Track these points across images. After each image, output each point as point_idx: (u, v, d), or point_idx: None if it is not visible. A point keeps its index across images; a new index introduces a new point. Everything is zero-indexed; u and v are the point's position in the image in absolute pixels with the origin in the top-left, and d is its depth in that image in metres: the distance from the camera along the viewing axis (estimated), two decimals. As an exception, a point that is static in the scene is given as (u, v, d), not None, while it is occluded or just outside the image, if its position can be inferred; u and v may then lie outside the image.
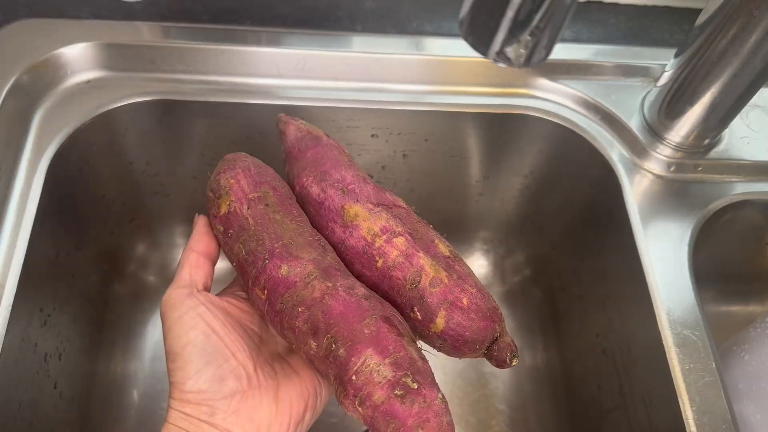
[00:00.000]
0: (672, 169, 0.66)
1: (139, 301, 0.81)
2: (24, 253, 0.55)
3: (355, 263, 0.46)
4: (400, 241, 0.45)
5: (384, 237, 0.45)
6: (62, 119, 0.63)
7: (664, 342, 0.56)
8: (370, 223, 0.46)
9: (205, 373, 0.39)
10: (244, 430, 0.39)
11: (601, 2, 0.69)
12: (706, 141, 0.66)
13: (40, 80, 0.64)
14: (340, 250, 0.47)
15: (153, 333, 0.80)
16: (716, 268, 0.77)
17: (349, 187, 0.48)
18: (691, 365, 0.55)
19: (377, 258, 0.45)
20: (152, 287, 0.82)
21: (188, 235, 0.83)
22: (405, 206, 0.49)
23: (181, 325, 0.41)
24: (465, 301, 0.42)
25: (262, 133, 0.69)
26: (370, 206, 0.47)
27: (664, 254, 0.61)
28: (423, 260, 0.44)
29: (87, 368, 0.72)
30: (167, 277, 0.83)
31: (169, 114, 0.67)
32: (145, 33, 0.66)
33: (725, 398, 0.53)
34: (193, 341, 0.40)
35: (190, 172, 0.74)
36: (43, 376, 0.61)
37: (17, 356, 0.55)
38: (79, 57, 0.65)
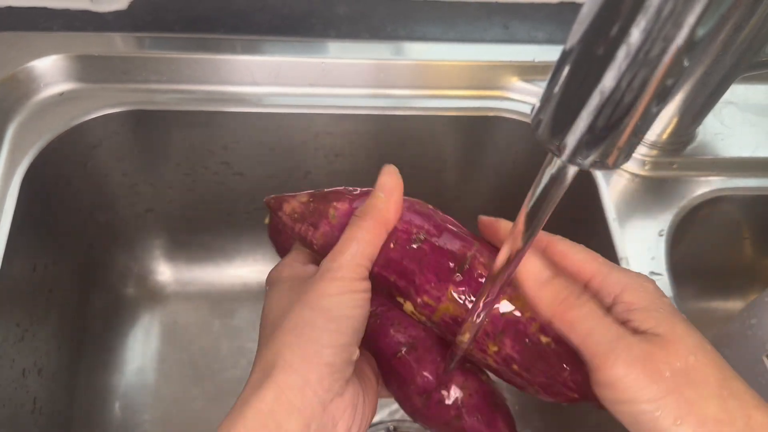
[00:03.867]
0: (647, 167, 0.66)
1: (119, 313, 0.81)
2: (-1, 268, 0.54)
3: None
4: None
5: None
6: (36, 132, 0.62)
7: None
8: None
9: (345, 352, 0.37)
10: (344, 416, 0.37)
11: (574, 3, 0.70)
12: (681, 138, 0.67)
13: (12, 93, 0.63)
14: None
15: (133, 345, 0.79)
16: (695, 265, 0.77)
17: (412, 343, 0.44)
18: (671, 361, 0.55)
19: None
20: (131, 299, 0.82)
21: (167, 247, 0.83)
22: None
23: (353, 299, 0.37)
24: None
25: (238, 141, 0.69)
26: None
27: (641, 252, 0.61)
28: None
29: (67, 382, 0.71)
30: (146, 289, 0.83)
31: (144, 124, 0.66)
32: (118, 44, 0.66)
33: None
34: (355, 318, 0.37)
35: (167, 182, 0.74)
36: (22, 392, 0.60)
37: (-6, 372, 0.55)
38: (51, 69, 0.65)
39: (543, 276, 0.37)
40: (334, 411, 0.36)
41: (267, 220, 0.49)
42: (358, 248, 0.38)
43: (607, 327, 0.34)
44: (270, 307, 0.40)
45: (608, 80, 0.23)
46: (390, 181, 0.40)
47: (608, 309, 0.37)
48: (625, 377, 0.33)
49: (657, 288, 0.37)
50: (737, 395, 0.33)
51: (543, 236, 0.41)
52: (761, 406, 0.33)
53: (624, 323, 0.35)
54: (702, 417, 0.32)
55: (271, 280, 0.42)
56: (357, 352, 0.38)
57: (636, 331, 0.35)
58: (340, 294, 0.37)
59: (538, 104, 0.26)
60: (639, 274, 0.38)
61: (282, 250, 0.47)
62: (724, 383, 0.33)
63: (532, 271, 0.37)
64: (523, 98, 0.70)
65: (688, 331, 0.34)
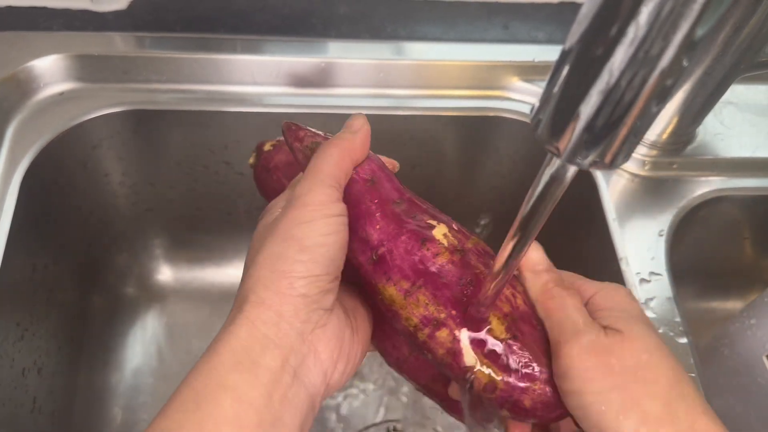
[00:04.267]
0: (647, 167, 0.66)
1: (119, 313, 0.81)
2: (-1, 268, 0.54)
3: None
4: (443, 334, 0.37)
5: (427, 330, 0.37)
6: (36, 132, 0.62)
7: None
8: (408, 313, 0.37)
9: (321, 281, 0.36)
10: (328, 347, 0.36)
11: (574, 3, 0.70)
12: (681, 138, 0.67)
13: (12, 93, 0.63)
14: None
15: (134, 345, 0.79)
16: (694, 265, 0.77)
17: (379, 251, 0.38)
18: (671, 361, 0.55)
19: (425, 352, 0.38)
20: (131, 299, 0.82)
21: (167, 246, 0.83)
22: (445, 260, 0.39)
23: (326, 224, 0.36)
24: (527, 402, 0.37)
25: (239, 141, 0.69)
26: (406, 286, 0.37)
27: (641, 252, 0.61)
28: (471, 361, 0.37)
29: (67, 382, 0.71)
30: (146, 289, 0.83)
31: (144, 124, 0.66)
32: (118, 43, 0.66)
33: (704, 394, 0.54)
34: (329, 245, 0.36)
35: (167, 181, 0.74)
36: (21, 391, 0.60)
37: (-6, 372, 0.55)
38: (51, 69, 0.65)
39: (539, 267, 0.39)
40: (316, 342, 0.36)
41: (252, 160, 0.50)
42: (325, 171, 0.37)
43: (574, 319, 0.36)
44: (252, 244, 0.40)
45: (607, 80, 0.23)
46: (357, 121, 0.40)
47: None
48: (576, 367, 0.34)
49: (629, 295, 0.39)
50: (686, 398, 0.34)
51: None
52: (708, 413, 0.34)
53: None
54: (645, 414, 0.33)
55: (261, 217, 0.42)
56: (337, 281, 0.37)
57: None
58: (312, 221, 0.36)
59: (537, 104, 0.26)
60: (614, 285, 0.40)
61: (269, 190, 0.48)
62: (675, 385, 0.34)
63: (531, 260, 0.39)
64: (523, 98, 0.70)
65: (647, 332, 0.36)
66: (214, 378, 0.33)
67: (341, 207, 0.37)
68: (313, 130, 0.43)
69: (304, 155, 0.41)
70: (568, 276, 0.41)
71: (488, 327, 0.37)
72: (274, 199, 0.43)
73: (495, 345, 0.37)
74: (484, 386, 0.37)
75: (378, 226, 0.38)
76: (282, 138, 0.47)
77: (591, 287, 0.40)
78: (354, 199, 0.39)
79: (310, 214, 0.36)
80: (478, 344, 0.37)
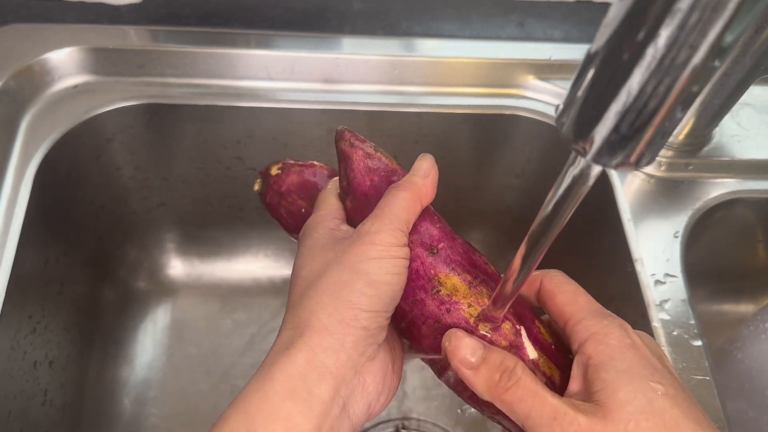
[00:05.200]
0: (663, 168, 0.66)
1: (129, 306, 0.81)
2: (12, 260, 0.54)
3: None
4: (506, 327, 0.38)
5: (489, 324, 0.37)
6: (50, 125, 0.62)
7: (656, 341, 0.56)
8: (472, 302, 0.38)
9: (380, 317, 0.36)
10: (375, 379, 0.37)
11: (591, 2, 0.69)
12: (697, 140, 0.66)
13: (27, 85, 0.63)
14: (430, 325, 0.39)
15: (144, 339, 0.79)
16: (708, 267, 0.77)
17: (439, 246, 0.40)
18: (684, 364, 0.55)
19: None
20: (142, 293, 0.82)
21: (178, 241, 0.83)
22: (497, 272, 0.41)
23: (393, 264, 0.37)
24: None
25: (251, 136, 0.69)
26: (469, 278, 0.39)
27: (656, 253, 0.61)
28: (534, 354, 0.38)
29: (77, 375, 0.71)
30: (157, 283, 0.83)
31: (158, 118, 0.66)
32: (132, 37, 0.66)
33: (718, 397, 0.53)
34: (393, 284, 0.36)
35: (180, 176, 0.74)
36: (33, 384, 0.61)
37: (6, 365, 0.55)
38: (66, 62, 0.64)
39: (474, 359, 0.36)
40: (365, 374, 0.36)
41: (258, 187, 0.49)
42: (396, 214, 0.38)
43: (542, 406, 0.33)
44: (303, 263, 0.39)
45: (635, 84, 0.23)
46: (426, 164, 0.41)
47: (574, 354, 0.36)
48: None
49: (623, 336, 0.36)
50: None
51: (537, 273, 0.40)
52: None
53: (582, 378, 0.35)
54: None
55: (305, 234, 0.41)
56: (390, 319, 0.37)
57: (587, 392, 0.34)
58: (380, 258, 0.36)
59: (563, 103, 0.26)
60: (611, 320, 0.37)
61: (285, 214, 0.48)
62: None
63: (462, 355, 0.36)
64: (539, 97, 0.69)
65: (634, 394, 0.33)
66: (267, 406, 0.33)
67: (406, 251, 0.38)
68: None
69: (366, 155, 0.42)
70: (564, 299, 0.39)
71: (538, 325, 0.39)
72: (312, 218, 0.42)
73: (544, 342, 0.39)
74: (546, 380, 0.37)
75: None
76: (287, 161, 0.49)
77: (582, 330, 0.36)
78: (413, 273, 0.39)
79: (378, 252, 0.36)
80: (535, 340, 0.38)
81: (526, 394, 0.34)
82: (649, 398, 0.33)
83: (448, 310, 0.38)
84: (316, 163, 0.49)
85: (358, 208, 0.41)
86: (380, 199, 0.40)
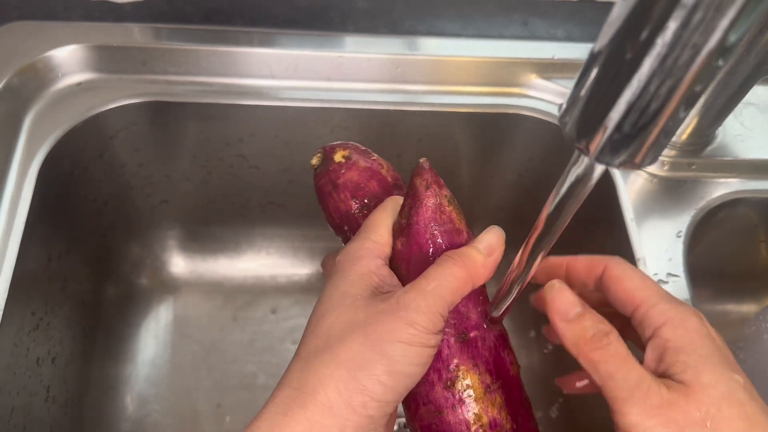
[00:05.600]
0: (666, 167, 0.66)
1: (132, 303, 0.81)
2: (15, 257, 0.54)
3: None
4: None
5: None
6: (53, 122, 0.62)
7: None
8: (481, 408, 0.36)
9: (389, 407, 0.34)
10: None
11: (594, 1, 0.69)
12: (700, 139, 0.66)
13: (30, 83, 0.63)
14: (430, 410, 0.37)
15: (146, 336, 0.79)
16: (711, 267, 0.77)
17: (471, 334, 0.37)
18: (687, 364, 0.55)
19: None
20: (145, 290, 0.82)
21: (181, 238, 0.83)
22: (518, 375, 0.40)
23: (420, 354, 0.34)
24: None
25: (254, 135, 0.69)
26: (488, 381, 0.37)
27: (659, 253, 0.61)
28: None
29: (80, 372, 0.71)
30: (160, 280, 0.83)
31: (161, 116, 0.66)
32: (136, 34, 0.66)
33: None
34: (413, 376, 0.34)
35: (183, 174, 0.74)
36: (36, 380, 0.61)
37: (9, 361, 0.55)
38: (69, 59, 0.65)
39: (571, 313, 0.36)
40: None
41: (316, 161, 0.44)
42: (443, 295, 0.34)
43: (628, 371, 0.33)
44: (328, 310, 0.36)
45: (638, 83, 0.23)
46: (493, 239, 0.38)
47: (647, 341, 0.36)
48: (640, 424, 0.32)
49: (700, 325, 0.35)
50: None
51: (600, 259, 0.40)
52: None
53: (657, 360, 0.35)
54: None
55: (341, 267, 0.38)
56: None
57: (664, 373, 0.34)
58: (409, 344, 0.33)
59: (566, 102, 0.26)
60: (686, 308, 0.36)
61: (331, 206, 0.43)
62: None
63: (561, 306, 0.36)
64: (541, 96, 0.69)
65: (717, 380, 0.33)
66: None
67: (438, 339, 0.35)
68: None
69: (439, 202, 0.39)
70: (633, 285, 0.38)
71: None
72: (355, 246, 0.39)
73: None
74: None
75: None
76: (351, 147, 0.44)
77: (657, 315, 0.36)
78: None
79: (410, 337, 0.33)
80: None
81: (616, 357, 0.34)
82: (731, 387, 0.33)
83: (454, 407, 0.36)
84: (383, 163, 0.44)
85: (407, 256, 0.38)
86: (432, 258, 0.37)
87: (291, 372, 0.34)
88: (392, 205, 0.40)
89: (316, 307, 0.37)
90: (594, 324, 0.35)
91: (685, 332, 0.35)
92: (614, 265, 0.39)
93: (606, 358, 0.34)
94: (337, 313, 0.35)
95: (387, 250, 0.39)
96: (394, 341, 0.33)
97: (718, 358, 0.34)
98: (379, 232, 0.39)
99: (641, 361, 0.35)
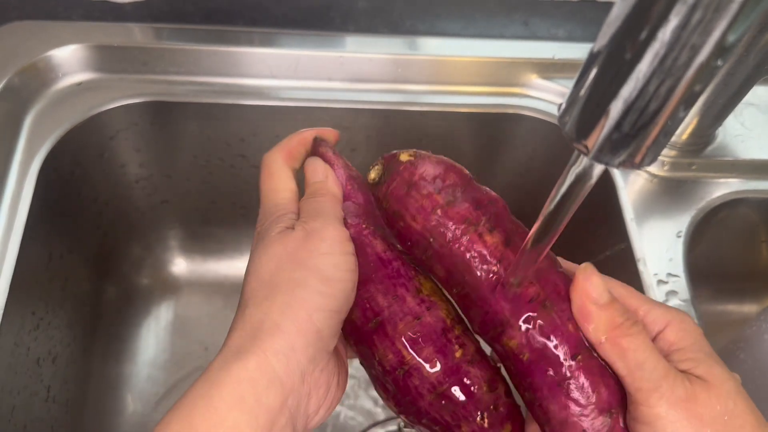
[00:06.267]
0: (666, 167, 0.66)
1: (133, 303, 0.81)
2: (15, 256, 0.54)
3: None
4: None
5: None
6: (54, 122, 0.62)
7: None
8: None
9: (334, 319, 0.35)
10: (319, 393, 0.35)
11: (595, 1, 0.69)
12: (701, 139, 0.66)
13: (31, 83, 0.63)
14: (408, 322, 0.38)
15: (147, 336, 0.79)
16: (711, 267, 0.76)
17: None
18: (687, 364, 0.55)
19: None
20: (145, 290, 0.82)
21: (181, 238, 0.83)
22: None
23: (345, 260, 0.36)
24: None
25: (255, 134, 0.69)
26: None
27: (659, 253, 0.60)
28: None
29: (80, 371, 0.71)
30: (160, 280, 0.83)
31: (162, 116, 0.66)
32: (136, 34, 0.66)
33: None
34: (346, 281, 0.36)
35: (183, 173, 0.74)
36: (36, 380, 0.61)
37: (10, 360, 0.55)
38: (70, 59, 0.65)
39: (603, 298, 0.35)
40: (311, 385, 0.35)
41: (375, 175, 0.41)
42: (334, 214, 0.39)
43: (656, 362, 0.34)
44: (258, 260, 0.37)
45: (637, 83, 0.23)
46: (317, 167, 0.43)
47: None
48: (666, 417, 0.32)
49: (696, 327, 0.37)
50: None
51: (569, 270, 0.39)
52: None
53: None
54: None
55: (260, 231, 0.40)
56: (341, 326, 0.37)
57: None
58: (331, 254, 0.36)
59: (565, 101, 0.26)
60: (678, 310, 0.37)
61: (410, 209, 0.39)
62: (758, 429, 0.33)
63: (593, 291, 0.35)
64: (542, 96, 0.69)
65: (726, 376, 0.34)
66: (213, 414, 0.31)
67: (352, 247, 0.38)
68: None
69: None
70: (623, 293, 0.38)
71: None
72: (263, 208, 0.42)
73: None
74: None
75: None
76: (412, 150, 0.41)
77: (658, 317, 0.36)
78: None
79: (329, 248, 0.36)
80: None
81: (645, 346, 0.34)
82: (737, 382, 0.34)
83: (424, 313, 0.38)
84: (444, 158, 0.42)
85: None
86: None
87: (234, 322, 0.36)
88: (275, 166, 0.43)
89: (246, 273, 0.38)
90: (624, 312, 0.35)
91: (687, 333, 0.36)
92: (592, 275, 0.37)
93: (636, 345, 0.34)
94: (266, 257, 0.37)
95: (290, 195, 0.42)
96: (318, 256, 0.36)
97: (716, 356, 0.35)
98: (279, 192, 0.42)
99: None
